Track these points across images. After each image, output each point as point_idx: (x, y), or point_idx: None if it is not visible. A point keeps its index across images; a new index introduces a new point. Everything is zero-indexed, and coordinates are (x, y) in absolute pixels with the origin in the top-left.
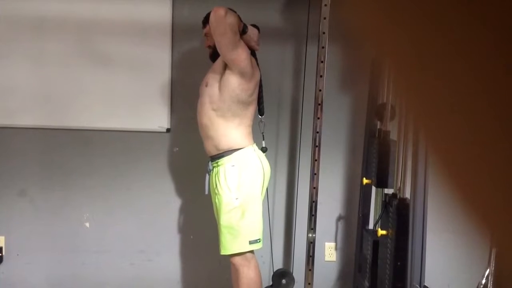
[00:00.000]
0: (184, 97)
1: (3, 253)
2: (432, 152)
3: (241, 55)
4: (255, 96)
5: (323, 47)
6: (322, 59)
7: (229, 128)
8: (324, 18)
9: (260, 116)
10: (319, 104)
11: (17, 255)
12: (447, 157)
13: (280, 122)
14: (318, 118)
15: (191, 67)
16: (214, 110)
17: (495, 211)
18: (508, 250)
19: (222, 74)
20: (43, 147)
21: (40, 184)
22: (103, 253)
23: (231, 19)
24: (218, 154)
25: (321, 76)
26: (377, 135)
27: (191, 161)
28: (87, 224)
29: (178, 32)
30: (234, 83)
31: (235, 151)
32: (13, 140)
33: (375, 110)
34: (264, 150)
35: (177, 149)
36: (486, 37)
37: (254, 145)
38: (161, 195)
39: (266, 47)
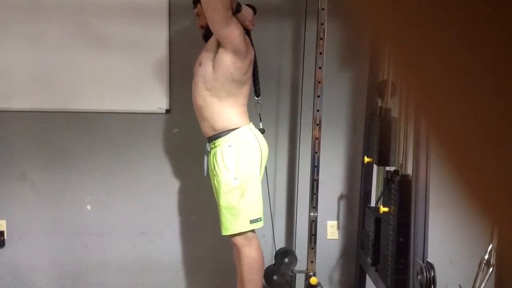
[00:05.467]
0: (183, 77)
1: (5, 237)
2: (432, 135)
3: (234, 32)
4: (250, 75)
5: (322, 24)
6: (322, 36)
7: (224, 108)
8: None
9: (256, 98)
10: (319, 82)
11: (19, 238)
12: (447, 140)
13: (280, 101)
14: (318, 96)
15: (189, 46)
16: (208, 90)
17: (496, 196)
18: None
19: (216, 52)
20: (42, 130)
21: (41, 168)
22: (105, 235)
23: None
24: (214, 134)
25: (320, 54)
26: (378, 113)
27: (191, 141)
28: (89, 207)
29: (175, 10)
30: (227, 61)
31: (231, 131)
32: (11, 124)
33: (375, 87)
34: (262, 131)
35: (177, 130)
36: (489, 13)
37: (251, 124)
38: (162, 176)
39: (263, 25)
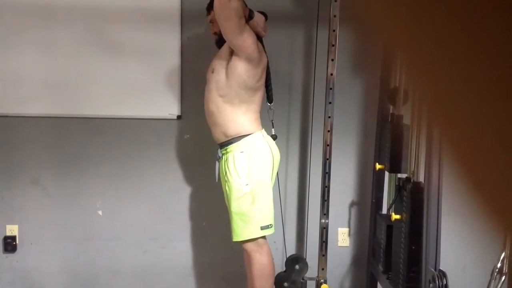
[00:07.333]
0: (195, 84)
1: (17, 242)
2: (445, 142)
3: (247, 40)
4: (263, 81)
5: (334, 31)
6: (333, 43)
7: (237, 114)
8: (335, 1)
9: (269, 104)
10: (331, 89)
11: (31, 243)
12: (460, 147)
13: (291, 107)
14: (330, 103)
15: (201, 53)
16: (221, 96)
17: (509, 203)
18: None
19: (229, 60)
20: (54, 136)
21: (53, 173)
22: (116, 240)
23: (235, 3)
24: (226, 141)
25: (332, 60)
26: (390, 120)
27: (202, 147)
28: (100, 212)
29: (187, 17)
30: (241, 69)
31: (243, 137)
32: (24, 129)
33: (387, 94)
34: (274, 137)
35: (188, 136)
36: (503, 21)
37: (263, 130)
38: (173, 182)
39: (275, 31)
